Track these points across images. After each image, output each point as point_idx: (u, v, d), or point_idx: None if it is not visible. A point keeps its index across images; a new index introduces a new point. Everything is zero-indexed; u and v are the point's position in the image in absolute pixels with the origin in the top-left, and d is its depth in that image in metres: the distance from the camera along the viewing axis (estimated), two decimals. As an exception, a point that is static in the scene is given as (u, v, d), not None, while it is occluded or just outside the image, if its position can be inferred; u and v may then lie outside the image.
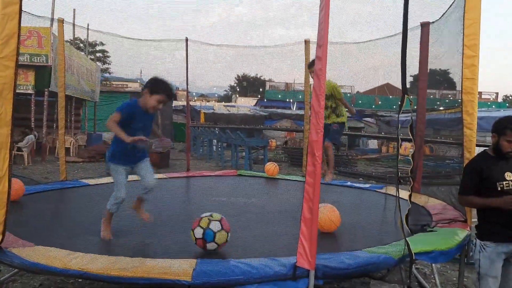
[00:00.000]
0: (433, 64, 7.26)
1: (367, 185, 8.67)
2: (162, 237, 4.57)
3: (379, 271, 3.80)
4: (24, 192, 6.39)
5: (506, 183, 3.68)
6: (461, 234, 4.35)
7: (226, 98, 63.75)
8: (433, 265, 5.30)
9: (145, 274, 3.26)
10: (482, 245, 3.77)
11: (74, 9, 23.17)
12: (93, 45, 36.30)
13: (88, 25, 19.59)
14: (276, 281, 3.25)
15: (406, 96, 3.68)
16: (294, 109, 39.38)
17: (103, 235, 4.48)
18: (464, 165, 4.13)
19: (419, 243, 3.97)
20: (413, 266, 3.84)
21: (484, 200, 3.72)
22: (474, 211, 4.12)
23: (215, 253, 3.93)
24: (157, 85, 4.42)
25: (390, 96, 40.36)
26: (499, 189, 3.67)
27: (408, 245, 3.65)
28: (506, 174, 3.69)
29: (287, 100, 42.44)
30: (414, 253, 3.65)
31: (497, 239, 3.70)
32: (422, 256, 3.84)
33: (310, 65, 6.88)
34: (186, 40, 10.19)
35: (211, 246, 3.90)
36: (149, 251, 3.85)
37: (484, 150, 3.93)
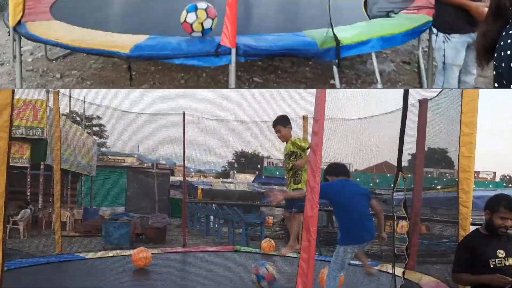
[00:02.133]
0: (432, 142, 7.31)
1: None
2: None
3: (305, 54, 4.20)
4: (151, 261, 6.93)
5: (498, 260, 3.67)
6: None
7: (224, 174, 63.71)
8: None
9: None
10: (446, 37, 3.74)
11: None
12: (89, 118, 36.51)
13: (84, 98, 19.47)
14: (200, 57, 3.85)
15: (400, 173, 3.72)
16: (292, 186, 39.19)
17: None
18: (458, 243, 4.11)
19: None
20: None
21: (476, 278, 3.70)
22: None
23: None
24: None
25: (388, 175, 40.40)
26: (491, 266, 3.66)
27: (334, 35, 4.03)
28: (498, 251, 3.70)
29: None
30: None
31: None
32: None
33: (275, 124, 5.63)
34: (183, 114, 10.07)
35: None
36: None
37: (477, 228, 3.95)
